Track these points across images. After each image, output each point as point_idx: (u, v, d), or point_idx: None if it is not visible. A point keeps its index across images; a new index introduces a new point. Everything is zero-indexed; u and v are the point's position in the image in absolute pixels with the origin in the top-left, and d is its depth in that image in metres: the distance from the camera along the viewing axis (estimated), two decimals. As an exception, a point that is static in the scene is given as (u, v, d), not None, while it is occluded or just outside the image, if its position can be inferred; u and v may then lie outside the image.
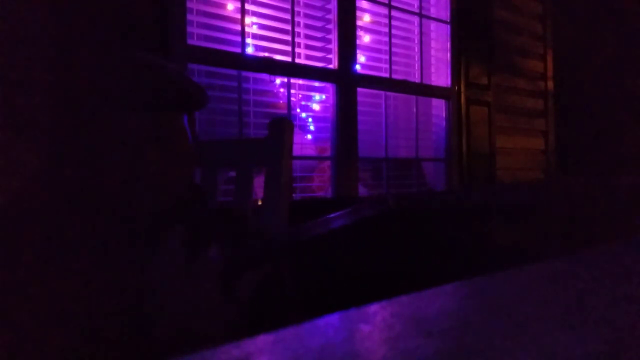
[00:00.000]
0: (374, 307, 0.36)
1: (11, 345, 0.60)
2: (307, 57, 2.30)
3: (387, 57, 2.58)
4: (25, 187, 0.65)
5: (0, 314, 0.61)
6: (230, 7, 2.02)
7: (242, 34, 1.97)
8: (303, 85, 2.31)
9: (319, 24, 2.34)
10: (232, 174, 1.20)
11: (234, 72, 1.99)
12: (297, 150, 2.25)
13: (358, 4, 2.42)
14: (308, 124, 2.37)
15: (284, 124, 1.07)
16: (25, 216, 0.65)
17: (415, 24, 2.79)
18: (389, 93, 2.63)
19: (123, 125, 0.69)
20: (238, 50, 1.97)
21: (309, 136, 2.38)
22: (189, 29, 1.82)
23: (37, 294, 0.62)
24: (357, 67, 2.41)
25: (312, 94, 2.38)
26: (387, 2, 2.58)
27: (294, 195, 2.18)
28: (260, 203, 1.18)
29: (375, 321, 0.34)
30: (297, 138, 2.27)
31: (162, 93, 0.73)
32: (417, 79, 2.76)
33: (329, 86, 2.34)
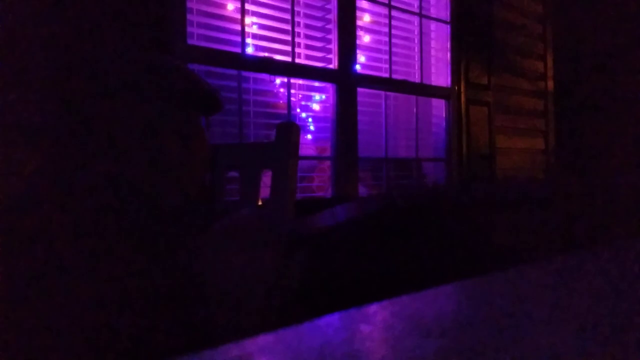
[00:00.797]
0: (374, 307, 0.36)
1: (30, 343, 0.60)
2: (307, 57, 2.30)
3: (387, 57, 2.58)
4: (35, 186, 0.66)
5: (6, 311, 0.61)
6: (230, 7, 2.02)
7: (242, 34, 1.97)
8: (303, 85, 2.31)
9: (319, 24, 2.34)
10: (234, 173, 1.21)
11: (234, 72, 1.99)
12: (297, 150, 2.25)
13: (358, 4, 2.42)
14: (308, 124, 2.37)
15: (291, 128, 1.10)
16: (42, 212, 0.66)
17: (415, 24, 2.79)
18: (389, 93, 2.64)
19: (143, 124, 0.70)
20: (238, 50, 1.97)
21: (309, 136, 2.38)
22: (189, 29, 1.82)
23: (51, 289, 0.62)
24: (357, 67, 2.41)
25: (312, 94, 2.38)
26: (387, 2, 2.58)
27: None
28: (261, 203, 1.19)
29: (375, 321, 0.34)
30: (297, 138, 2.27)
31: (189, 94, 0.74)
32: (417, 79, 2.76)
33: (329, 86, 2.34)
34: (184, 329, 0.66)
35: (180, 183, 0.73)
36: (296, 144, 1.10)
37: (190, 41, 1.83)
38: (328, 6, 2.34)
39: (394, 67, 2.61)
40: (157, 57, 0.77)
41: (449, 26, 2.88)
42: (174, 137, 0.72)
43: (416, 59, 2.79)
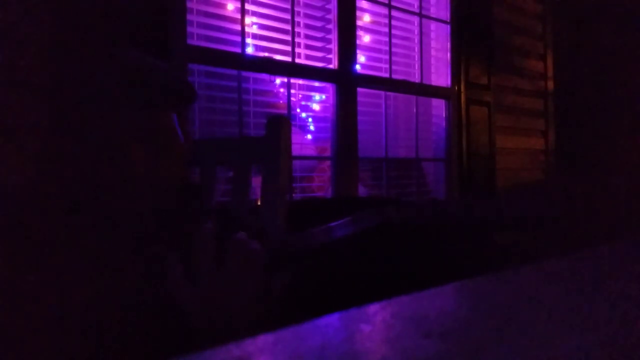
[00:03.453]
0: (374, 307, 0.36)
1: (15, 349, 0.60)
2: (307, 57, 2.30)
3: (387, 57, 2.58)
4: (17, 188, 0.65)
5: (4, 311, 0.61)
6: (230, 7, 2.02)
7: (242, 34, 1.97)
8: (303, 85, 2.31)
9: (319, 24, 2.34)
10: (231, 173, 1.20)
11: (234, 72, 1.99)
12: (297, 150, 2.25)
13: (358, 4, 2.42)
14: (308, 124, 2.37)
15: (281, 122, 1.06)
16: (19, 217, 0.65)
17: (415, 24, 2.79)
18: (389, 93, 2.63)
19: (111, 125, 0.69)
20: (238, 50, 1.97)
21: (309, 136, 2.38)
22: (189, 29, 1.82)
23: (33, 294, 0.62)
24: (357, 67, 2.41)
25: (312, 94, 2.38)
26: (387, 2, 2.58)
27: (294, 195, 2.19)
28: (258, 203, 1.18)
29: (375, 321, 0.34)
30: (297, 138, 2.27)
31: (148, 92, 0.71)
32: (417, 79, 2.76)
33: (329, 86, 2.34)
34: (160, 340, 0.65)
35: (154, 184, 0.71)
36: (287, 140, 1.05)
37: (190, 41, 1.82)
38: (328, 6, 2.34)
39: (394, 67, 2.61)
40: (116, 52, 0.73)
41: (449, 26, 2.88)
42: (140, 140, 0.69)
43: (416, 59, 2.79)
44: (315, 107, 2.38)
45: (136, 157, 0.69)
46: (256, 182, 1.21)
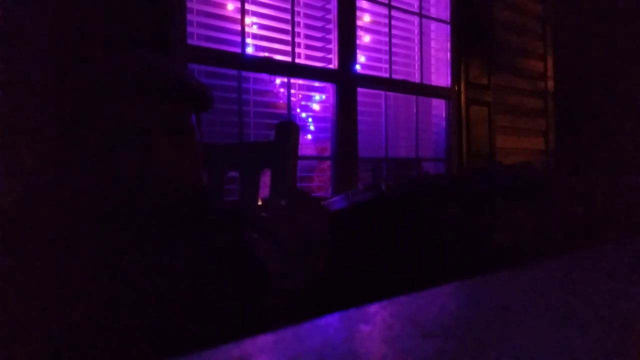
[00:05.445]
0: (373, 307, 0.36)
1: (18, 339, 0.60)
2: (307, 57, 2.30)
3: (387, 57, 2.58)
4: (31, 186, 0.66)
5: (6, 310, 0.61)
6: (230, 7, 2.02)
7: (242, 34, 1.97)
8: (303, 85, 2.31)
9: (319, 24, 2.34)
10: (234, 173, 1.22)
11: (234, 72, 1.99)
12: (297, 150, 2.25)
13: (358, 4, 2.42)
14: (308, 124, 2.37)
15: (290, 127, 1.10)
16: (35, 213, 0.66)
17: (415, 24, 2.79)
18: (389, 93, 2.63)
19: (134, 122, 0.71)
20: (238, 50, 1.97)
21: (309, 136, 2.38)
22: (189, 29, 1.82)
23: (38, 291, 0.62)
24: (357, 67, 2.41)
25: (312, 94, 2.38)
26: (387, 2, 2.58)
27: (294, 195, 2.18)
28: (261, 202, 1.19)
29: (375, 321, 0.34)
30: (297, 138, 2.27)
31: (173, 92, 0.75)
32: (417, 79, 2.76)
33: (329, 86, 2.34)
34: (175, 331, 0.66)
35: (172, 180, 0.74)
36: (295, 144, 1.11)
37: (190, 41, 1.82)
38: (328, 6, 2.34)
39: (394, 67, 2.61)
40: (146, 56, 0.77)
41: (449, 26, 2.88)
42: (164, 135, 0.73)
43: (416, 59, 2.79)
44: (315, 107, 2.38)
45: (158, 153, 0.72)
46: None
